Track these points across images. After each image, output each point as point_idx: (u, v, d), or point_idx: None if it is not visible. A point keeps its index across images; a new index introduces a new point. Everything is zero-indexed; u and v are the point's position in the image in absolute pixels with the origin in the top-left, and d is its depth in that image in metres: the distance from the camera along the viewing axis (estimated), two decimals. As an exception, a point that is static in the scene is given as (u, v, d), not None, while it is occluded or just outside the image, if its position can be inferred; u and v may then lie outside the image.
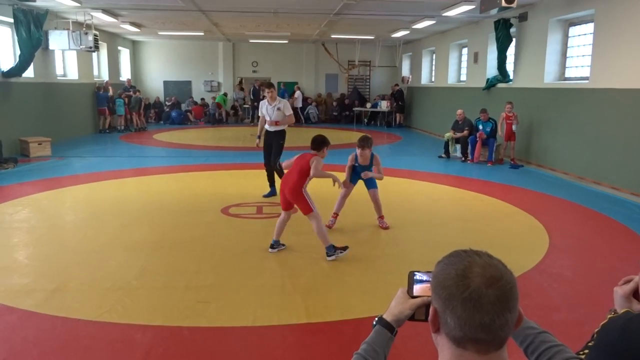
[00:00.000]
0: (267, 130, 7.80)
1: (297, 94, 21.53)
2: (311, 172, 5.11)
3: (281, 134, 7.82)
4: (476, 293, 1.04)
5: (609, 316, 1.55)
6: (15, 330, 3.67)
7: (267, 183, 7.91)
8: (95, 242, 5.74)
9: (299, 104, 21.36)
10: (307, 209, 5.10)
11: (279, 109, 7.66)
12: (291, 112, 7.86)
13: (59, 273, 4.77)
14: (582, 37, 10.15)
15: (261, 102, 7.90)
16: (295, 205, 5.25)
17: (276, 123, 7.67)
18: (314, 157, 5.18)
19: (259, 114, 7.96)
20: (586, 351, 1.72)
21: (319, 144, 5.29)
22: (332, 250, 5.11)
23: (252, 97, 20.58)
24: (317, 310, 4.04)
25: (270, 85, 7.79)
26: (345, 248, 5.18)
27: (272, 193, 7.77)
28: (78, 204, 7.60)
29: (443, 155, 12.45)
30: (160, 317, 3.89)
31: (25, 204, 7.34)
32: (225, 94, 21.90)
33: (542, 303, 4.15)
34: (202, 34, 18.31)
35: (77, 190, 8.39)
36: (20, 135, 11.83)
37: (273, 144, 7.79)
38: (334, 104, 22.56)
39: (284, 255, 5.26)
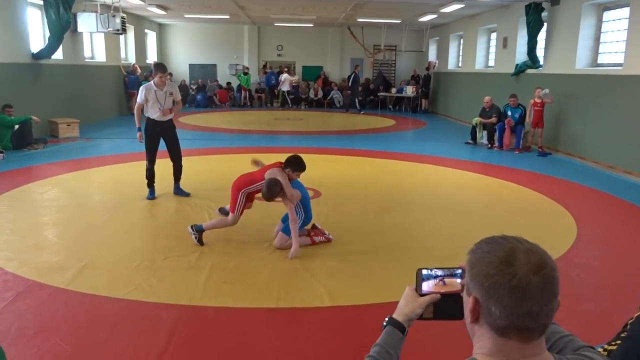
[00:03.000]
0: (154, 121, 6.63)
1: (284, 76, 21.00)
2: (287, 193, 4.78)
3: (173, 124, 6.87)
4: (524, 281, 1.02)
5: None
6: (45, 306, 3.76)
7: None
8: (122, 222, 5.83)
9: (286, 87, 20.97)
10: (232, 209, 5.04)
11: (171, 94, 6.63)
12: (180, 97, 6.89)
13: (87, 251, 4.86)
14: (616, 22, 9.85)
15: (145, 87, 6.61)
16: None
17: (170, 111, 6.67)
18: (276, 168, 4.91)
19: (138, 100, 6.64)
20: (618, 342, 1.69)
21: (291, 164, 4.95)
22: (196, 230, 5.03)
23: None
24: (341, 295, 4.04)
25: (164, 68, 6.71)
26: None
27: (152, 195, 6.78)
28: (105, 185, 7.72)
29: (470, 142, 12.27)
30: (186, 296, 3.94)
31: (55, 184, 7.49)
32: (245, 72, 21.45)
33: (569, 293, 4.09)
34: (228, 17, 18.30)
35: (105, 171, 8.53)
36: (50, 116, 12.04)
37: (167, 136, 6.75)
38: (359, 88, 22.38)
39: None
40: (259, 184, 4.91)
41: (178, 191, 6.96)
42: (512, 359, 1.07)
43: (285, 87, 21.03)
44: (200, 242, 5.02)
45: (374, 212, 6.37)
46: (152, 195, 6.80)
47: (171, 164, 6.97)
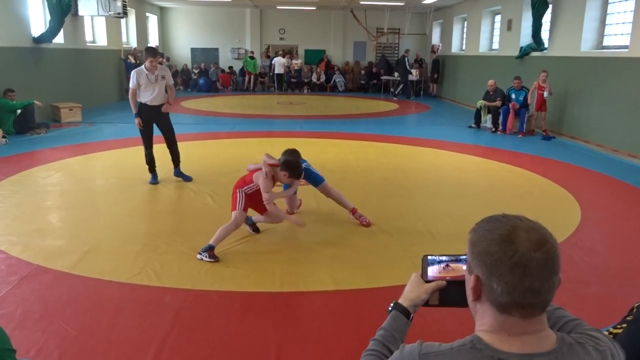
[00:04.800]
0: (147, 105, 6.50)
1: (275, 60, 20.84)
2: (263, 196, 4.48)
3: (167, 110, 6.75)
4: (525, 258, 1.03)
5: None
6: (49, 290, 3.77)
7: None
8: (125, 207, 5.84)
9: (279, 70, 20.79)
10: (233, 207, 4.63)
11: (163, 77, 6.49)
12: (172, 82, 6.73)
13: (91, 235, 4.87)
14: (622, 3, 9.72)
15: (136, 71, 6.44)
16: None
17: (167, 101, 6.62)
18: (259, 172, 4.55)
19: (130, 85, 6.46)
20: (624, 325, 1.68)
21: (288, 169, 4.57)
22: (208, 251, 4.35)
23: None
24: (344, 279, 4.05)
25: (155, 52, 6.52)
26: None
27: (155, 180, 6.79)
28: (108, 169, 7.72)
29: (473, 125, 12.21)
30: (189, 280, 3.95)
31: (58, 168, 7.49)
32: (251, 57, 21.23)
33: (573, 277, 4.09)
34: (230, 0, 18.12)
35: (108, 155, 8.52)
36: (52, 101, 12.00)
37: (161, 122, 6.67)
38: (362, 72, 22.25)
39: (311, 226, 5.23)
40: (252, 185, 4.68)
41: (179, 174, 6.93)
42: (513, 335, 1.08)
43: (278, 70, 20.87)
44: (213, 257, 4.35)
45: (376, 196, 6.36)
46: (154, 180, 6.79)
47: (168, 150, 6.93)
